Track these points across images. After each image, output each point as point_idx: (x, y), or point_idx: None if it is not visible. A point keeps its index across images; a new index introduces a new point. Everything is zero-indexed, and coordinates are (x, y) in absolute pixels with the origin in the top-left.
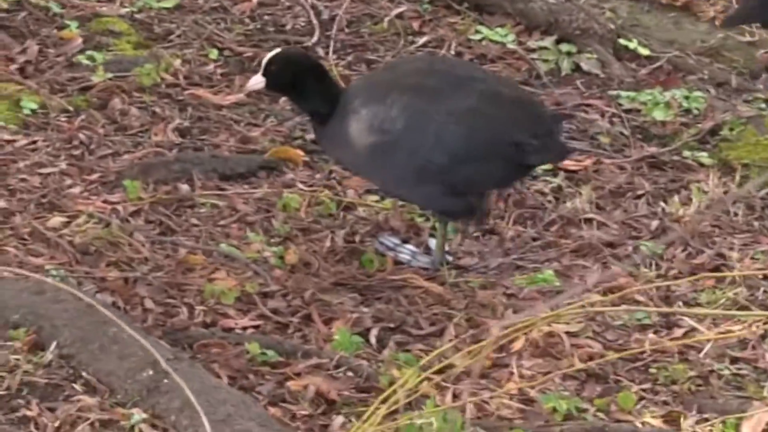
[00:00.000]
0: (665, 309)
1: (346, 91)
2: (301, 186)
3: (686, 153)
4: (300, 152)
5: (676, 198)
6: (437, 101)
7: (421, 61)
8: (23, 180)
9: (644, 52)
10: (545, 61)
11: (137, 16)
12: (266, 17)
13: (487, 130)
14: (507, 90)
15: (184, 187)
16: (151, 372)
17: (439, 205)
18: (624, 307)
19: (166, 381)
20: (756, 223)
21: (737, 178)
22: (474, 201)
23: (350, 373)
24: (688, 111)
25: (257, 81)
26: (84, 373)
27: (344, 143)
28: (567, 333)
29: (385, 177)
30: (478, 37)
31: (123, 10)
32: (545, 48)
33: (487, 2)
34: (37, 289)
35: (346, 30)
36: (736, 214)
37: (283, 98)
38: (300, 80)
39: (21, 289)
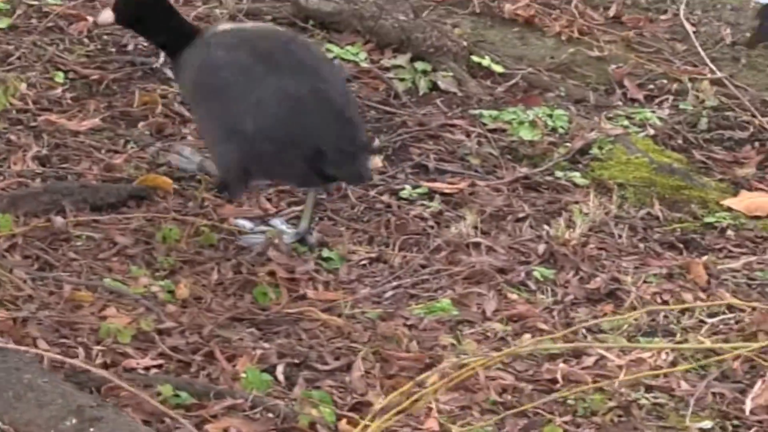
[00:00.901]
0: (628, 345)
1: (205, 30)
2: (175, 215)
3: (559, 173)
4: (168, 179)
5: (561, 221)
6: (271, 75)
7: (283, 36)
8: None
9: (498, 69)
10: (402, 80)
11: None
12: (105, 37)
13: (298, 124)
14: (339, 100)
15: (59, 220)
16: (74, 420)
17: (223, 171)
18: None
19: (92, 430)
20: (641, 245)
21: (614, 198)
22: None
23: (268, 414)
24: (553, 130)
25: (107, 15)
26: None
27: (183, 76)
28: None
29: (201, 120)
30: (329, 56)
31: None
32: (400, 67)
33: (334, 20)
34: None
35: None
36: (620, 236)
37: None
38: (147, 14)
39: None
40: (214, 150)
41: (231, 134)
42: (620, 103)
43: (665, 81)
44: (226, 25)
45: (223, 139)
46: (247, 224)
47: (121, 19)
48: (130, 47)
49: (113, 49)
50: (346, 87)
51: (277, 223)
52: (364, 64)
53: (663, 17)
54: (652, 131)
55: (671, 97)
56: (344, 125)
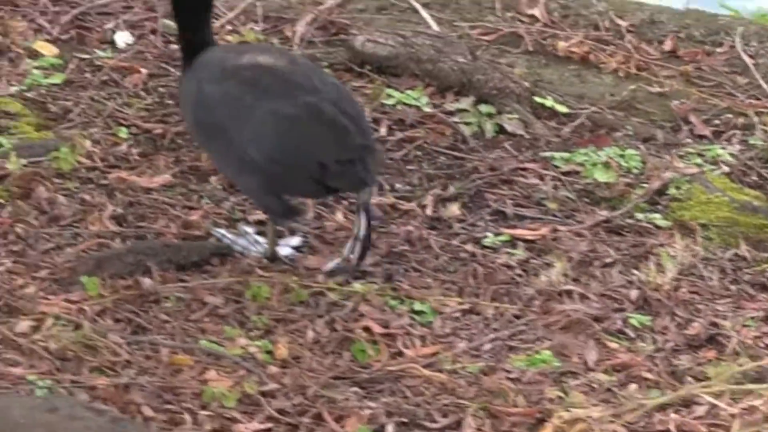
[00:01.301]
0: None
1: (210, 48)
2: (260, 272)
3: (639, 215)
4: None
5: (651, 265)
6: (262, 100)
7: (282, 57)
8: None
9: (562, 109)
10: (467, 124)
11: (28, 94)
12: (160, 89)
13: (296, 143)
14: (330, 110)
15: (147, 281)
16: None
17: (257, 199)
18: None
19: None
20: (733, 287)
21: (699, 239)
22: (287, 203)
23: None
24: (627, 170)
25: None
26: None
27: (183, 100)
28: (590, 418)
29: (213, 158)
30: (391, 101)
31: (12, 89)
32: (464, 110)
33: (391, 64)
34: (48, 407)
35: None
36: (711, 279)
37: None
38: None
39: (32, 406)
40: (238, 183)
41: (243, 165)
42: (689, 140)
43: (730, 116)
44: (215, 53)
45: (240, 171)
46: (221, 231)
47: None
48: None
49: (170, 101)
50: (339, 93)
51: (249, 230)
52: (427, 109)
53: (719, 50)
54: (726, 168)
55: (739, 132)
56: (338, 134)
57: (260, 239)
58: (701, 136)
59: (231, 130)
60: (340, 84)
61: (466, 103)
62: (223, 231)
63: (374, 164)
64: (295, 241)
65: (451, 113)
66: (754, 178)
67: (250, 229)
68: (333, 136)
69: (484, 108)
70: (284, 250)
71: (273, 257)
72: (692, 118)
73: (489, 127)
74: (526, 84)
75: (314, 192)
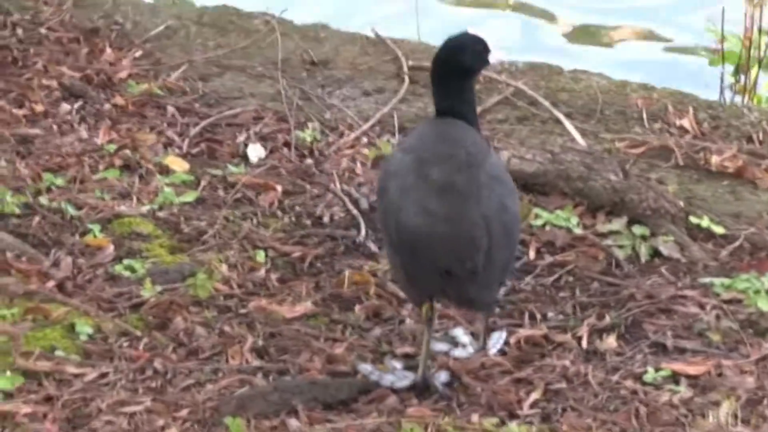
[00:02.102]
0: None
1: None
2: (411, 411)
3: None
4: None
5: None
6: (421, 191)
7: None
8: (109, 423)
9: (719, 230)
10: (621, 247)
11: (160, 214)
12: (297, 208)
13: (422, 240)
14: (469, 223)
15: (293, 423)
16: None
17: (398, 283)
18: None
19: None
20: None
21: None
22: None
23: None
24: None
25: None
26: None
27: None
28: None
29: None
30: (539, 222)
31: (143, 208)
32: (617, 232)
33: (538, 181)
34: None
35: None
36: None
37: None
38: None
39: None
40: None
41: (386, 242)
42: None
43: None
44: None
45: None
46: (367, 367)
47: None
48: (326, 219)
49: (308, 221)
50: (504, 215)
51: (459, 333)
52: (578, 231)
53: None
54: None
55: None
56: (462, 248)
57: (408, 374)
58: None
59: (383, 208)
60: (510, 207)
61: (618, 224)
62: (369, 367)
63: (482, 290)
64: (444, 376)
65: (603, 235)
66: None
67: (398, 364)
68: (456, 249)
69: (637, 229)
70: (439, 378)
71: (424, 385)
72: None
73: (644, 251)
74: (681, 203)
75: (438, 289)
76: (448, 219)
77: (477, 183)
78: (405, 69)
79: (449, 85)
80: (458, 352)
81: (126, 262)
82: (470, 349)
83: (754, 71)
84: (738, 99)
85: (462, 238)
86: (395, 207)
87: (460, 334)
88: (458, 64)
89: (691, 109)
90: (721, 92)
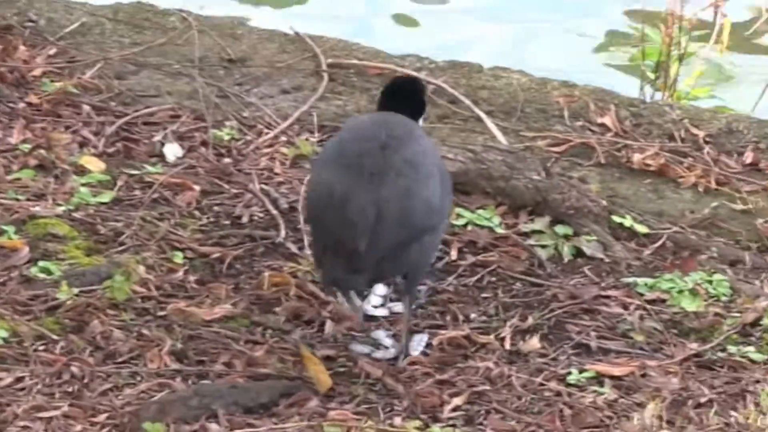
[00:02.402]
0: None
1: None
2: (333, 414)
3: (732, 349)
4: (328, 378)
5: (751, 406)
6: (331, 169)
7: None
8: (25, 428)
9: (642, 229)
10: (543, 246)
11: (76, 214)
12: (215, 208)
13: (316, 218)
14: (369, 204)
15: (214, 428)
16: None
17: None
18: None
19: None
20: None
21: None
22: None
23: None
24: (715, 298)
25: None
26: None
27: None
28: None
29: None
30: (461, 221)
31: (59, 209)
32: (540, 232)
33: (460, 180)
34: None
35: None
36: None
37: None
38: None
39: None
40: None
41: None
42: None
43: None
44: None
45: None
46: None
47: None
48: (245, 219)
49: (227, 222)
50: (406, 201)
51: (381, 335)
52: (500, 230)
53: None
54: None
55: None
56: (344, 227)
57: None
58: None
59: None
60: (417, 194)
61: (541, 223)
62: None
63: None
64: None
65: (525, 235)
66: None
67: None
68: (341, 228)
69: (560, 229)
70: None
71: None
72: None
73: (566, 251)
74: (604, 202)
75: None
76: (342, 197)
77: (387, 165)
78: (324, 66)
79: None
80: (380, 354)
81: (41, 264)
82: (392, 351)
83: (674, 68)
84: (658, 96)
85: (346, 217)
86: (309, 184)
87: (382, 336)
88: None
89: (612, 107)
90: (641, 89)
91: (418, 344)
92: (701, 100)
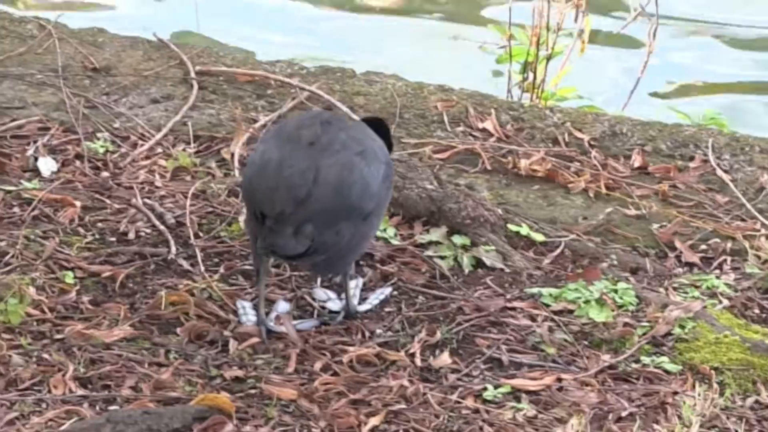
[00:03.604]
0: None
1: None
2: None
3: (646, 360)
4: (227, 400)
5: (674, 418)
6: (271, 143)
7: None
8: None
9: (538, 237)
10: (443, 258)
11: None
12: (99, 224)
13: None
14: (298, 170)
15: None
16: None
17: None
18: None
19: None
20: None
21: (714, 386)
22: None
23: None
24: (622, 307)
25: None
26: None
27: None
28: None
29: None
30: None
31: None
32: (437, 242)
33: None
34: None
35: (203, 235)
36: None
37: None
38: None
39: None
40: None
41: None
42: (678, 269)
43: (718, 240)
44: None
45: None
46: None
47: None
48: (131, 235)
49: (113, 239)
50: (345, 172)
51: (321, 294)
52: (396, 242)
53: (692, 165)
54: (725, 301)
55: (729, 258)
56: (275, 191)
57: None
58: (690, 264)
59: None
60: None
61: (438, 234)
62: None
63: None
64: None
65: (422, 246)
66: (757, 311)
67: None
68: (271, 193)
69: (458, 239)
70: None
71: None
72: (678, 244)
73: (466, 261)
74: (500, 211)
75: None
76: (278, 163)
77: (327, 137)
78: (192, 74)
79: None
80: (331, 305)
81: None
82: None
83: (540, 68)
84: (526, 96)
85: (280, 182)
86: (250, 158)
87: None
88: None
89: (493, 111)
90: (509, 91)
91: (376, 297)
92: (569, 100)
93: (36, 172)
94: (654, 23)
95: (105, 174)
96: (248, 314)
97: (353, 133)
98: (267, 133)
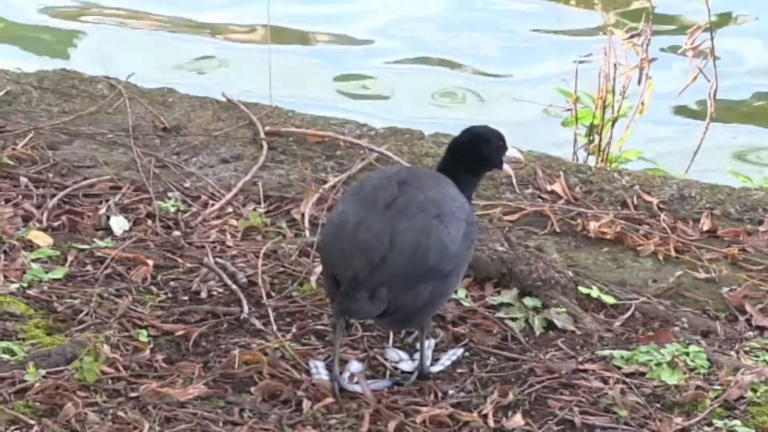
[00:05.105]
0: None
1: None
2: None
3: (718, 423)
4: None
5: None
6: (349, 201)
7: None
8: None
9: (609, 300)
10: (514, 319)
11: (30, 292)
12: (172, 283)
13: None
14: (375, 234)
15: None
16: None
17: None
18: None
19: None
20: None
21: None
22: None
23: None
24: (694, 369)
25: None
26: None
27: None
28: None
29: None
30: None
31: (12, 287)
32: (508, 304)
33: None
34: None
35: (275, 295)
36: None
37: None
38: None
39: None
40: None
41: None
42: (749, 333)
43: None
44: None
45: None
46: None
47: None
48: (204, 294)
49: (185, 297)
50: (423, 236)
51: (393, 355)
52: (467, 303)
53: (761, 228)
54: None
55: None
56: (350, 254)
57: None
58: (761, 328)
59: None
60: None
61: (509, 296)
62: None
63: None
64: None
65: (494, 307)
66: None
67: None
68: (349, 257)
69: (529, 301)
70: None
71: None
72: (748, 308)
73: (537, 323)
74: (570, 273)
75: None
76: (354, 226)
77: (404, 199)
78: (262, 134)
79: (456, 173)
80: (403, 365)
81: (3, 344)
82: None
83: (606, 131)
84: (591, 159)
85: (355, 245)
86: (330, 217)
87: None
88: (477, 154)
89: (561, 174)
90: (574, 153)
91: (448, 358)
92: (632, 162)
93: (108, 230)
94: (713, 84)
95: (176, 233)
96: (321, 374)
97: (432, 194)
98: (347, 192)
